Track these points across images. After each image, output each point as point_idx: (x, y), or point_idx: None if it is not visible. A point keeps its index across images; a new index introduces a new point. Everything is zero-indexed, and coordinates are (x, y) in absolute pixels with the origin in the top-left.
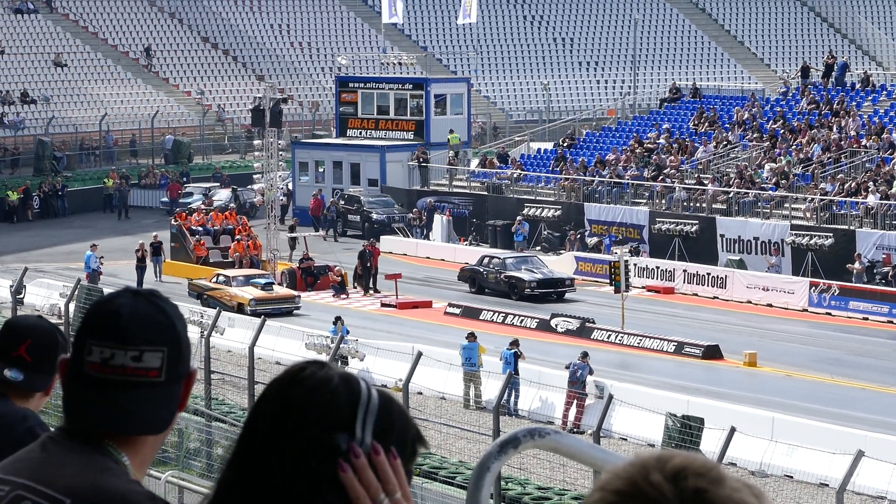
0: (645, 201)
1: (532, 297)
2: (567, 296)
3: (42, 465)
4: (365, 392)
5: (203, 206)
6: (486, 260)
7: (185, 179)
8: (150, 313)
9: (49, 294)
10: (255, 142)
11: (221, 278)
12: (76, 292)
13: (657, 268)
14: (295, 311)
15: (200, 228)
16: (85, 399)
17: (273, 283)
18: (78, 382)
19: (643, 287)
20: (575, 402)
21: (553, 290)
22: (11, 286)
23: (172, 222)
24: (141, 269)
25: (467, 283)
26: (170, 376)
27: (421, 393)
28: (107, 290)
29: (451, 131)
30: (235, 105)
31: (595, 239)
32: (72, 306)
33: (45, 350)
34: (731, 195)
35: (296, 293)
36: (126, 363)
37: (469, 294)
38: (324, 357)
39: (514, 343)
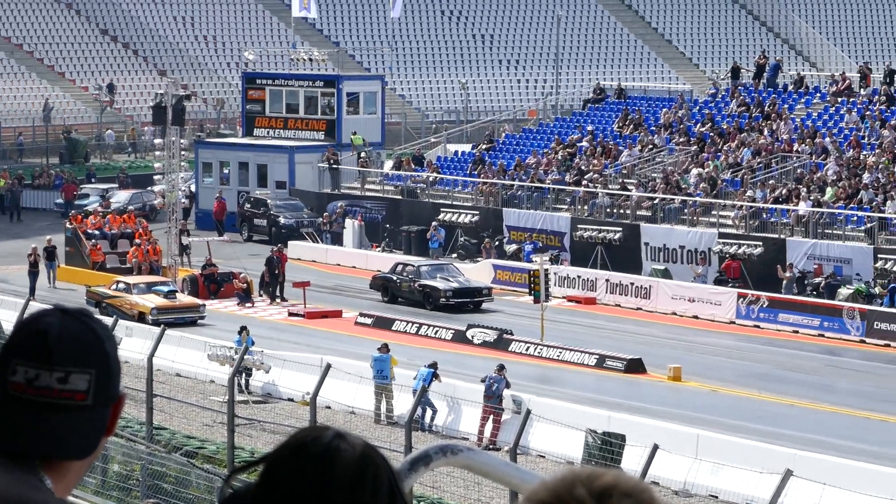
0: (566, 207)
1: (447, 306)
2: (484, 306)
3: None
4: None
5: (100, 209)
6: (399, 268)
7: (92, 180)
8: (79, 333)
9: None
10: (157, 141)
11: (122, 285)
12: None
13: (578, 277)
14: (199, 321)
15: (97, 232)
16: (8, 420)
17: (176, 291)
18: (2, 402)
19: (564, 297)
20: (491, 417)
21: (469, 299)
22: None
23: (67, 225)
24: (33, 274)
25: (380, 291)
26: (97, 400)
27: (329, 407)
28: None
29: (354, 133)
30: (136, 101)
31: (514, 246)
32: None
33: None
34: (656, 201)
35: (200, 302)
36: (51, 385)
37: (381, 303)
38: (227, 369)
39: (434, 365)
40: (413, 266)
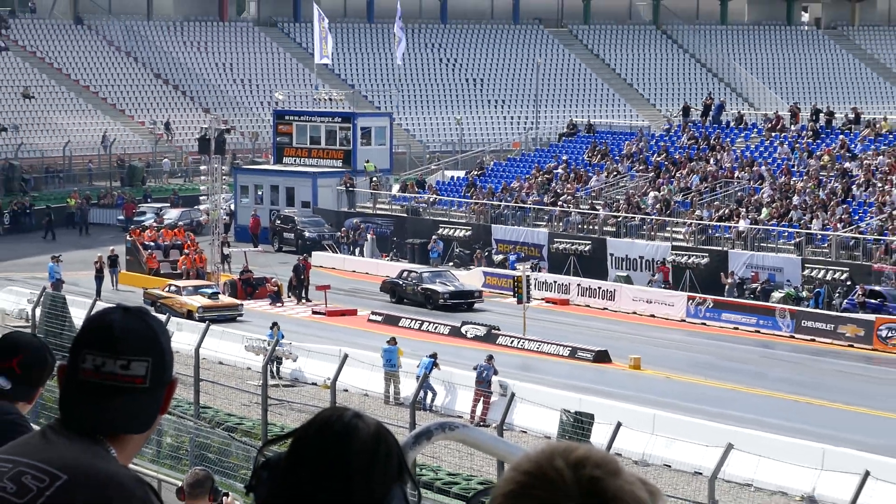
0: (544, 224)
1: (445, 306)
2: (476, 306)
3: (42, 448)
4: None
5: (155, 224)
6: (405, 274)
7: (148, 200)
8: (138, 328)
9: (18, 300)
10: (202, 167)
11: (173, 288)
12: (41, 299)
13: (555, 282)
14: (238, 318)
15: (152, 243)
16: (79, 400)
17: (219, 293)
18: (73, 386)
19: (542, 299)
20: (481, 399)
21: (463, 300)
22: None
23: (128, 238)
24: (99, 279)
25: (388, 294)
26: (154, 383)
27: (346, 390)
28: (69, 298)
29: (367, 161)
30: (184, 134)
31: (501, 256)
32: (38, 311)
33: (34, 366)
34: (619, 219)
35: (239, 302)
36: (115, 370)
37: (390, 303)
38: (261, 358)
39: (434, 355)
40: (416, 273)
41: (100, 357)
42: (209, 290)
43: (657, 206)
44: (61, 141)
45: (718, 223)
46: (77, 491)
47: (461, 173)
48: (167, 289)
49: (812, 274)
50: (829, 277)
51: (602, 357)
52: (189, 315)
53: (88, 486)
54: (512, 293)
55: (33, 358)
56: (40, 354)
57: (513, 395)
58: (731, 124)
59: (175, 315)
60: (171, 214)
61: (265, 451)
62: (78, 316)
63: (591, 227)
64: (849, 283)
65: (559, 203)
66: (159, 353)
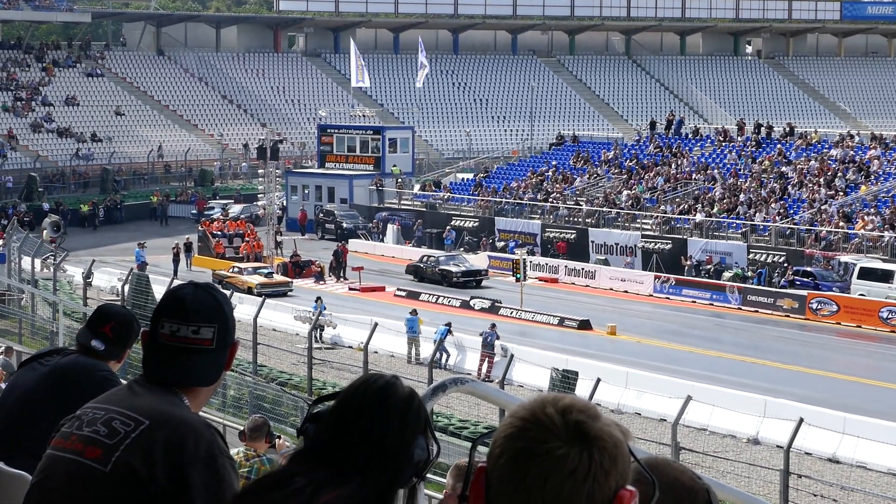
0: (538, 216)
1: (457, 284)
2: (482, 283)
3: (129, 398)
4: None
5: (222, 217)
6: (424, 257)
7: (216, 197)
8: (206, 300)
9: (110, 279)
10: (260, 171)
11: (236, 269)
12: (129, 277)
13: (546, 264)
14: (288, 293)
15: (220, 233)
16: (158, 359)
17: (273, 273)
18: (154, 347)
19: (536, 278)
20: (487, 359)
21: (472, 279)
22: (83, 273)
23: (199, 228)
24: (176, 261)
25: (411, 274)
26: (219, 345)
27: (377, 352)
28: (152, 277)
29: (395, 165)
30: (245, 144)
31: (502, 243)
32: (126, 288)
33: (123, 332)
34: (599, 213)
35: (289, 280)
36: (188, 335)
37: (412, 282)
38: (307, 326)
39: (448, 324)
40: (434, 256)
41: (175, 324)
42: (265, 271)
43: (629, 202)
44: (146, 150)
45: (679, 216)
46: (157, 433)
47: (470, 175)
48: (231, 269)
49: (756, 257)
50: (769, 260)
51: (585, 325)
52: (249, 291)
53: (166, 429)
54: (511, 273)
55: (122, 325)
56: (128, 322)
57: (512, 356)
58: (689, 136)
59: (237, 291)
60: (235, 209)
61: (318, 404)
62: (158, 291)
63: (575, 219)
64: (786, 265)
65: (550, 199)
66: (224, 321)
